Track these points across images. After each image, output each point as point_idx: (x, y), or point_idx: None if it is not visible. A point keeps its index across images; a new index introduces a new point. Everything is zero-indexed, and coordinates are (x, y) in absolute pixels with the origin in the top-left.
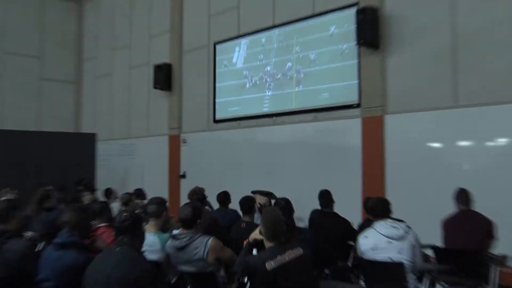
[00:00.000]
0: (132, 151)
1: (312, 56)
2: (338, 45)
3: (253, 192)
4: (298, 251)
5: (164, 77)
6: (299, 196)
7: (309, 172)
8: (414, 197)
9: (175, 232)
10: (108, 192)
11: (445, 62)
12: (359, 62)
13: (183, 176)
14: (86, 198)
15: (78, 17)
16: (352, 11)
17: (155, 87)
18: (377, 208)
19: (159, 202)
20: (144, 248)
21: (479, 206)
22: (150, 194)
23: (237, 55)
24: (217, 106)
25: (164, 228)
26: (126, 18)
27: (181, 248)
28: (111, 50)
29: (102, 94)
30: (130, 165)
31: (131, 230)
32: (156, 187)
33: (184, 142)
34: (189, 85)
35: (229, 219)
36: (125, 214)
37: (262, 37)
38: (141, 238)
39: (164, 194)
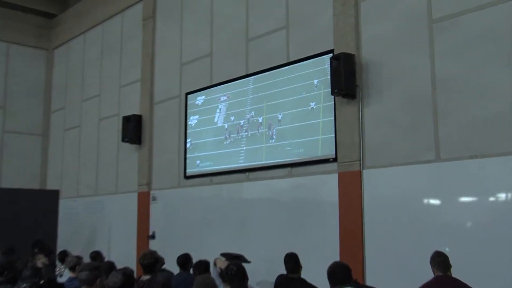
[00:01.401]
0: (99, 209)
1: (287, 108)
2: (314, 96)
3: (221, 254)
4: None
5: (133, 130)
6: (274, 256)
7: (284, 230)
8: (394, 256)
9: None
10: (63, 255)
11: (425, 112)
12: (334, 113)
13: (152, 236)
14: (40, 261)
15: (46, 65)
16: (327, 59)
17: (124, 140)
18: (335, 274)
19: (92, 267)
20: None
21: (460, 268)
22: (117, 256)
23: (210, 107)
24: (188, 161)
25: None
26: (96, 66)
27: None
28: (80, 100)
29: (70, 147)
30: (97, 224)
31: None
32: (124, 248)
33: (154, 199)
34: (159, 138)
35: (188, 285)
36: (24, 285)
37: (236, 89)
38: None
39: (132, 256)
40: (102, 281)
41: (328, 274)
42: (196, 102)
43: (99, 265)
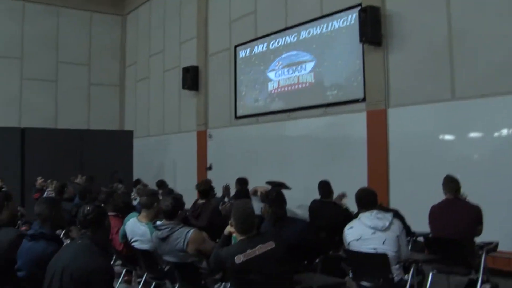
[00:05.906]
0: (166, 146)
1: (323, 55)
2: (345, 44)
3: (267, 182)
4: (270, 245)
5: (191, 79)
6: (309, 185)
7: (318, 163)
8: (416, 185)
9: (158, 223)
10: (160, 183)
11: (443, 57)
12: (363, 59)
13: (210, 168)
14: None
15: (121, 28)
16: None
17: (184, 88)
18: (362, 199)
19: (150, 193)
20: (136, 238)
21: (473, 194)
22: (180, 185)
23: (254, 57)
24: (238, 104)
25: (156, 218)
26: (160, 28)
27: (164, 239)
28: (148, 56)
29: (141, 95)
30: (164, 159)
31: (93, 224)
32: (186, 178)
33: (210, 137)
34: (214, 85)
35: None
36: (88, 208)
37: (277, 39)
38: (104, 232)
39: (194, 184)
40: (158, 205)
41: (356, 199)
42: (244, 53)
43: (156, 191)
